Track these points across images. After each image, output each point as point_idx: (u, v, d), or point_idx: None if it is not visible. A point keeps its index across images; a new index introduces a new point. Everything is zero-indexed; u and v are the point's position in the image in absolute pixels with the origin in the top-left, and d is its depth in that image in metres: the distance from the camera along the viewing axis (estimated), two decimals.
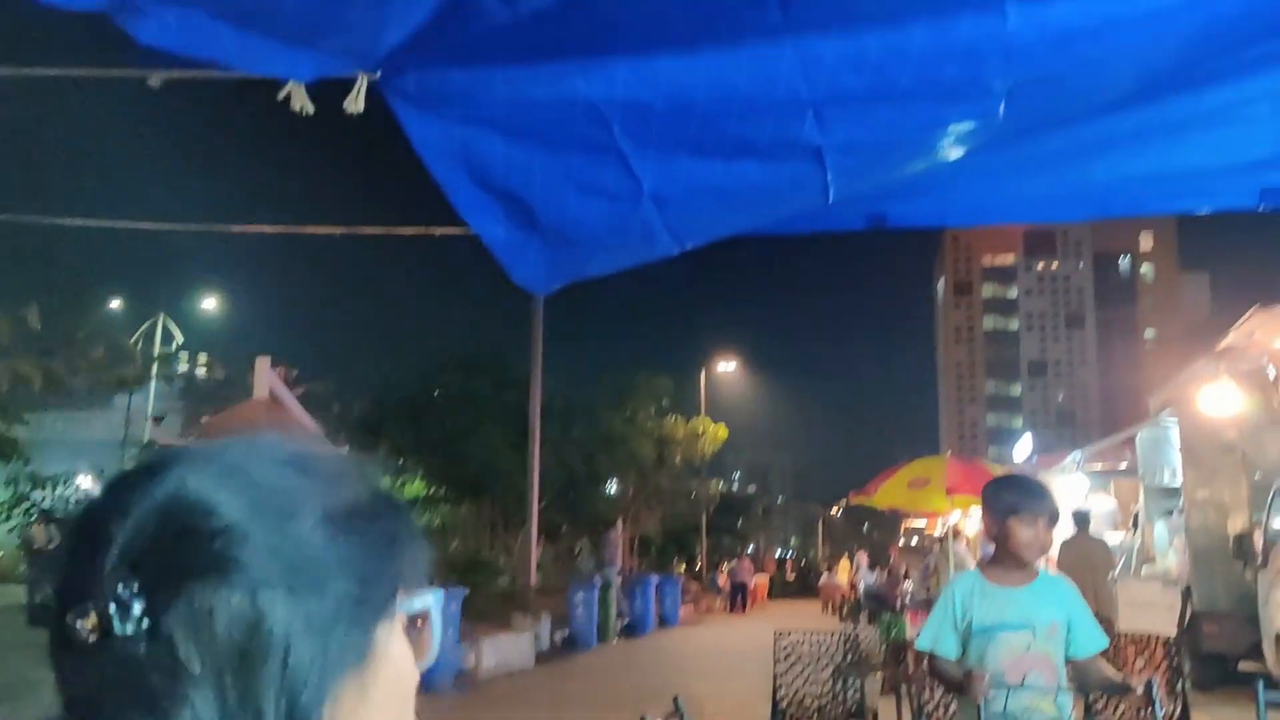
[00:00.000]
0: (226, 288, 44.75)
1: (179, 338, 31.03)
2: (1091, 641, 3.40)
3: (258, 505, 0.73)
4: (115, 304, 29.51)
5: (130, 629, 0.67)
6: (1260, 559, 10.08)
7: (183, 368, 29.55)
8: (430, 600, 0.83)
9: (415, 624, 0.82)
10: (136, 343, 24.44)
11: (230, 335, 40.48)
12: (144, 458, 0.85)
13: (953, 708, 5.74)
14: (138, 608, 0.67)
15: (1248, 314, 11.30)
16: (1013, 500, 3.48)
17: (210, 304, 37.05)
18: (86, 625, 0.67)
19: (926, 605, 8.81)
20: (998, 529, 3.50)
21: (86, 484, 18.06)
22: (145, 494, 0.72)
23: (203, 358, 32.57)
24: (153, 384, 25.91)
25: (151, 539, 0.70)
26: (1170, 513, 12.50)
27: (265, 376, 5.60)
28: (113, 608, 0.67)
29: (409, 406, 21.00)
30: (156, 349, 26.32)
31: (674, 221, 2.44)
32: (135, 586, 0.68)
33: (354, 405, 22.05)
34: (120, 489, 0.73)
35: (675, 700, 3.00)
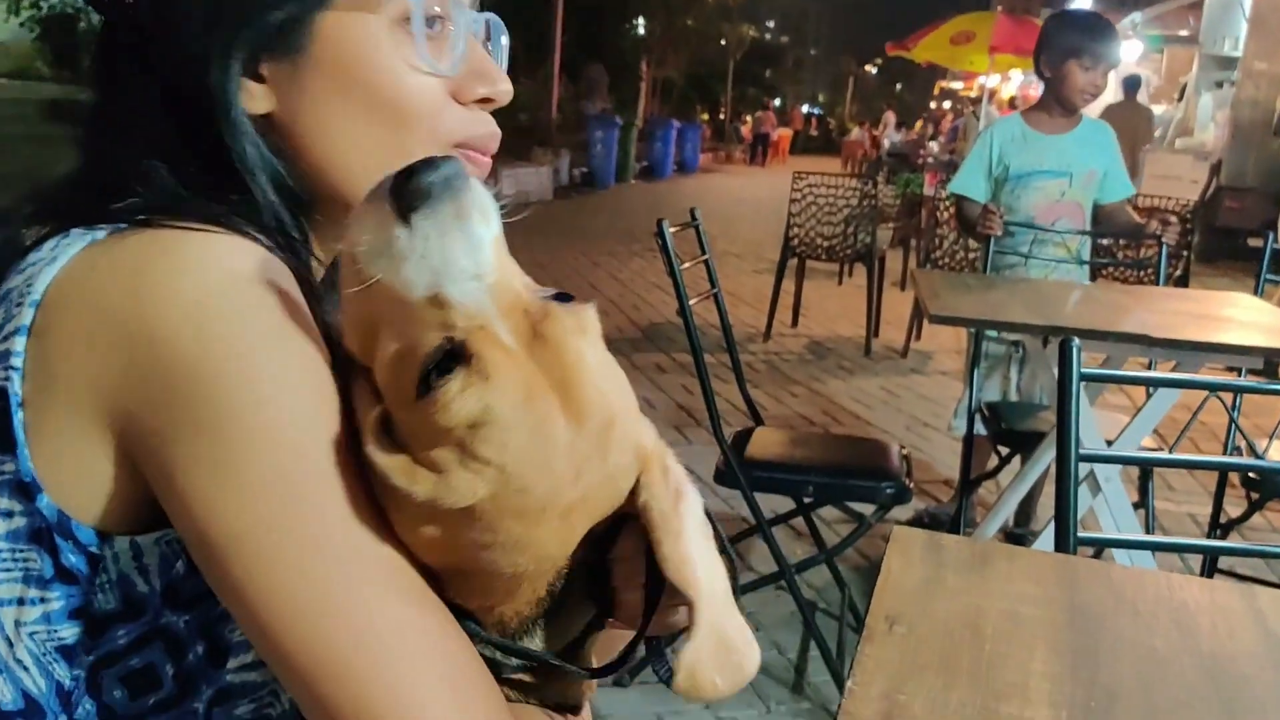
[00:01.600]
0: None
1: None
2: (1122, 188, 3.35)
3: None
4: None
5: None
6: None
7: None
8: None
9: (432, 25, 0.72)
10: None
11: None
12: None
13: (959, 255, 5.83)
14: None
15: None
16: (1076, 39, 3.22)
17: None
18: None
19: (948, 167, 8.70)
20: (1053, 70, 3.27)
21: None
22: None
23: None
24: None
25: None
26: (1220, 85, 12.21)
27: None
28: None
29: None
30: None
31: None
32: None
33: None
34: None
35: (692, 212, 2.94)
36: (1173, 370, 2.49)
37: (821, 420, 4.91)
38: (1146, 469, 3.01)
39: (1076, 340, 1.39)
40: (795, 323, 6.84)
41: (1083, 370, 1.38)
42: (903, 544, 1.05)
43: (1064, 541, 1.32)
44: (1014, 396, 3.42)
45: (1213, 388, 1.83)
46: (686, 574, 0.59)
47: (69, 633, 0.63)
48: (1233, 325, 2.51)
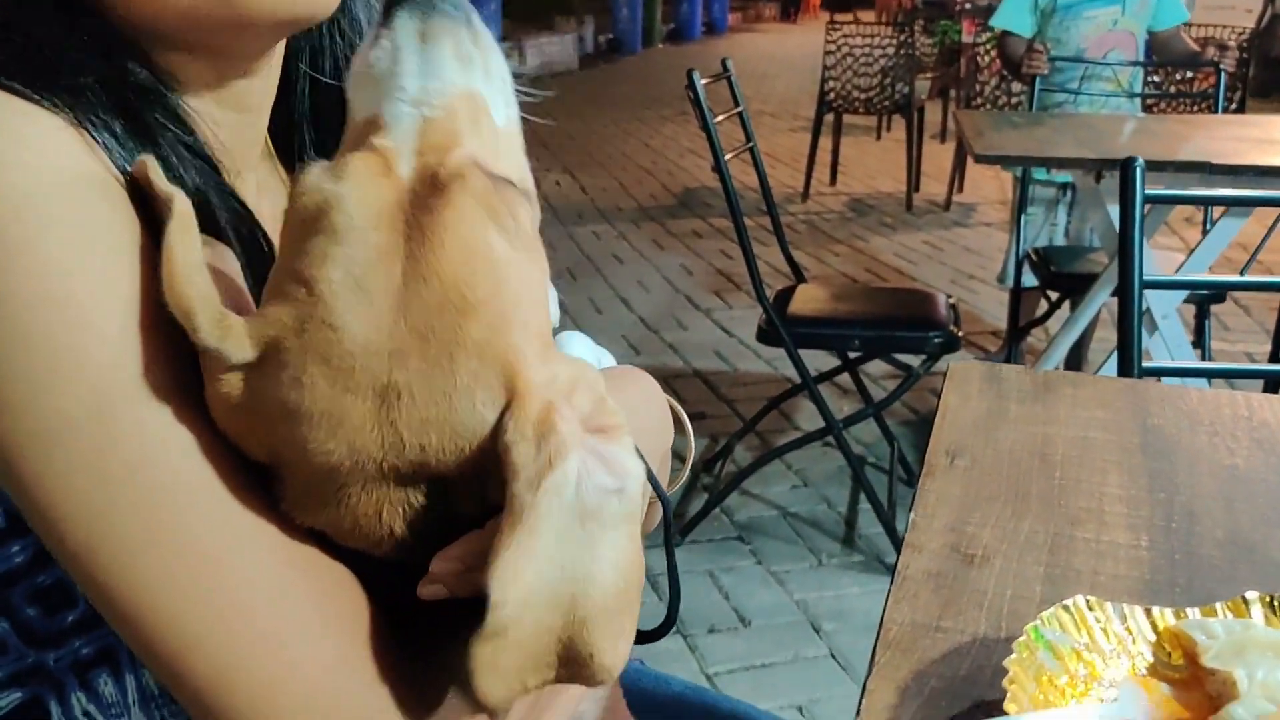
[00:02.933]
0: None
1: None
2: (1177, 10, 3.17)
3: None
4: None
5: None
6: None
7: None
8: None
9: None
10: None
11: None
12: None
13: (1000, 102, 5.62)
14: None
15: None
16: None
17: None
18: None
19: (986, 13, 8.31)
20: None
21: None
22: None
23: None
24: None
25: None
26: None
27: None
28: None
29: None
30: None
31: None
32: None
33: None
34: None
35: (724, 63, 2.82)
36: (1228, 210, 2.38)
37: (865, 278, 4.82)
38: (1203, 308, 2.92)
39: (1140, 159, 1.30)
40: (834, 180, 6.67)
41: (1147, 191, 1.30)
42: (960, 378, 1.00)
43: (1128, 370, 1.27)
44: (1062, 241, 3.32)
45: None
46: (499, 571, 0.46)
47: None
48: None
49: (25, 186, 0.48)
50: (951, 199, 6.16)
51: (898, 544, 1.59)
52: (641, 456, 0.52)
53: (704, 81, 2.59)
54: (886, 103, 6.13)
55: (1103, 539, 0.72)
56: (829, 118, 6.27)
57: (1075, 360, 3.37)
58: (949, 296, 2.76)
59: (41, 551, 0.56)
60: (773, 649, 2.31)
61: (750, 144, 2.89)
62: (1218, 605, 0.58)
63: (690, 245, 5.22)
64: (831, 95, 6.12)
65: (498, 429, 0.48)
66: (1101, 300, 2.55)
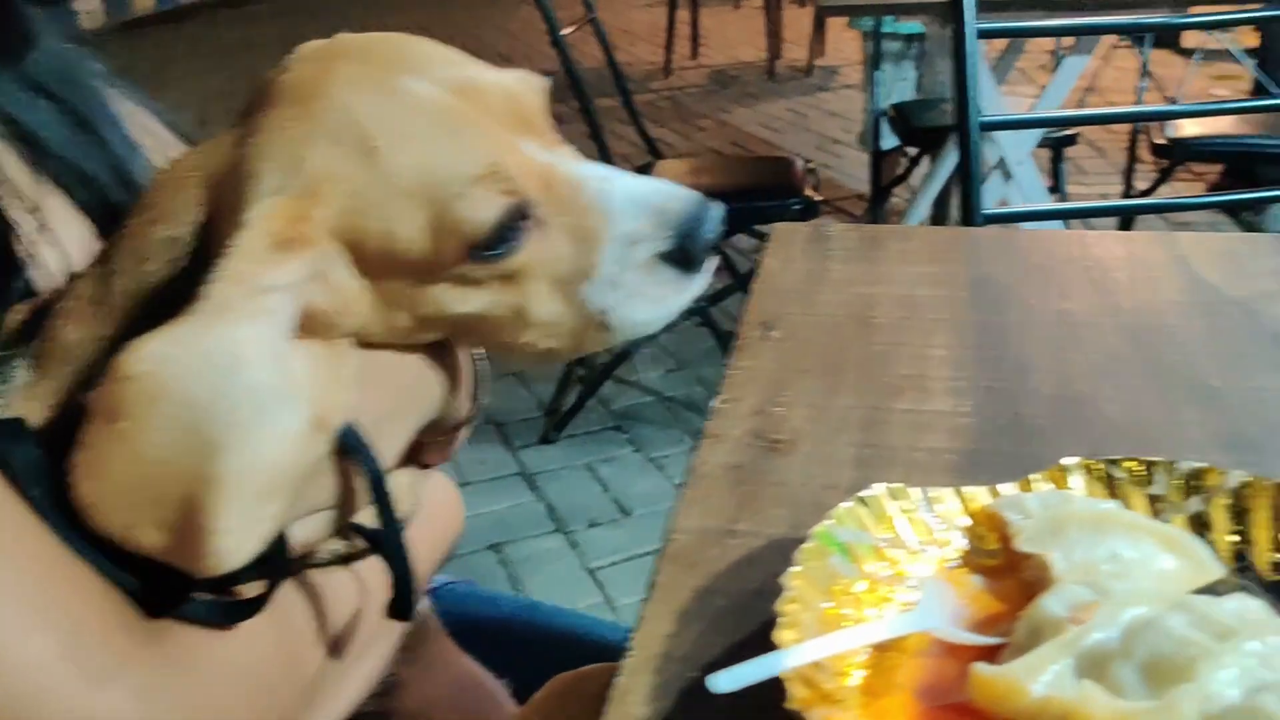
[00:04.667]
0: None
1: None
2: None
3: None
4: None
5: None
6: None
7: None
8: None
9: None
10: None
11: None
12: None
13: None
14: None
15: None
16: None
17: None
18: None
19: None
20: None
21: None
22: None
23: None
24: None
25: None
26: None
27: None
28: None
29: None
30: None
31: None
32: None
33: None
34: None
35: None
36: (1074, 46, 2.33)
37: (731, 151, 4.71)
38: (1058, 152, 2.90)
39: None
40: (695, 54, 6.49)
41: (979, 26, 1.21)
42: (782, 240, 0.91)
43: (970, 218, 1.20)
44: (913, 96, 3.26)
45: (1122, 30, 1.68)
46: (142, 343, 0.42)
47: None
48: None
49: None
50: (813, 63, 6.06)
51: None
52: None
53: None
54: None
55: (924, 409, 0.64)
56: None
57: (941, 217, 3.35)
58: (807, 161, 2.68)
59: None
60: (655, 537, 2.25)
61: (591, 15, 2.72)
62: (1033, 477, 0.51)
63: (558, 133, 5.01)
64: None
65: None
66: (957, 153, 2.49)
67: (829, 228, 0.93)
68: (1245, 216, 3.29)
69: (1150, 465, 0.50)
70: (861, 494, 0.48)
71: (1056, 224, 1.97)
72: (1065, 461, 0.51)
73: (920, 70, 3.27)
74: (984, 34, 1.23)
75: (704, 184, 2.67)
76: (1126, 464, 0.50)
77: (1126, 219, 2.36)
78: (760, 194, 2.55)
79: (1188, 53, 5.69)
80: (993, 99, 2.27)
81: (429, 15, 8.14)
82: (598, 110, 2.52)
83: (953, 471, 0.58)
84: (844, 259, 0.87)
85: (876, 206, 3.33)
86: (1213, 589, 0.45)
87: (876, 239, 0.91)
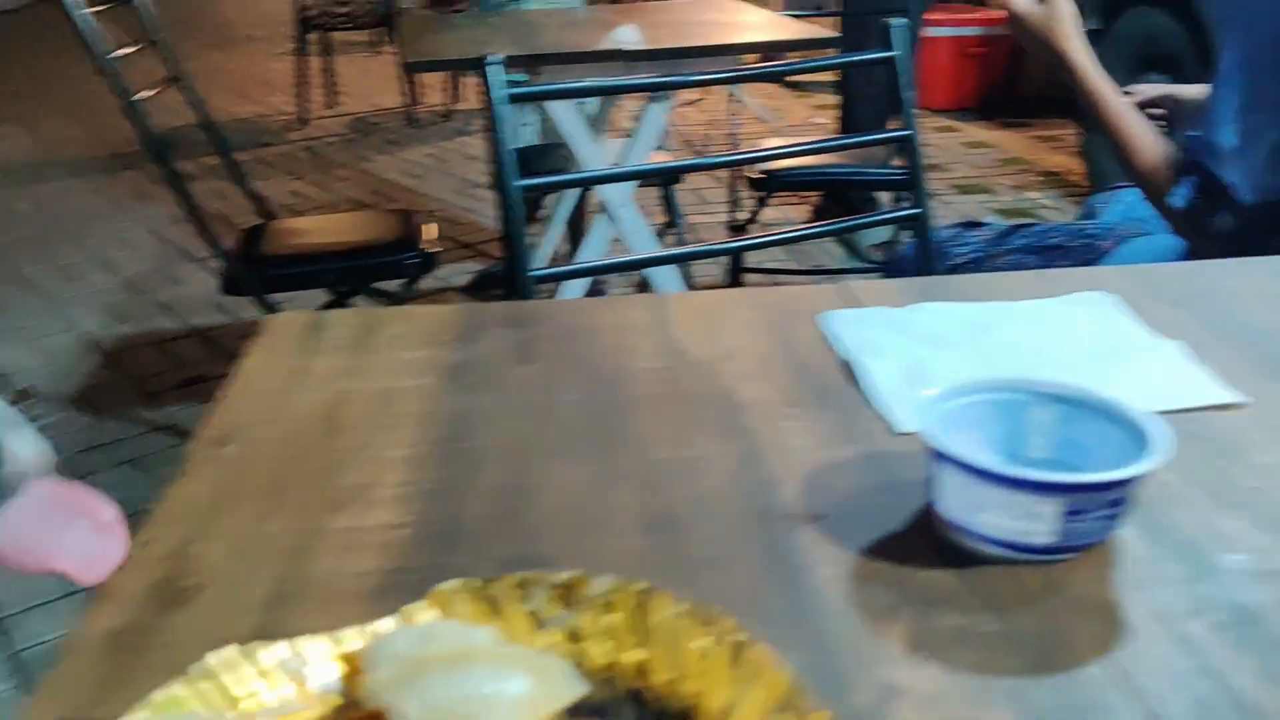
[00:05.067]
0: None
1: None
2: None
3: None
4: None
5: None
6: None
7: None
8: None
9: None
10: None
11: None
12: None
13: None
14: None
15: None
16: None
17: None
18: None
19: None
20: None
21: None
22: None
23: None
24: None
25: None
26: None
27: None
28: None
29: None
30: None
31: None
32: None
33: None
34: None
35: None
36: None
37: (372, 200, 4.59)
38: (666, 190, 3.03)
39: (496, 56, 1.22)
40: (332, 103, 6.31)
41: (508, 90, 1.22)
42: (276, 333, 0.85)
43: (520, 283, 1.19)
44: (535, 140, 3.31)
45: (643, 88, 1.77)
46: None
47: None
48: (717, 28, 2.49)
49: None
50: (451, 108, 6.06)
51: None
52: None
53: (93, 9, 2.21)
54: (367, 17, 5.84)
55: (363, 525, 0.60)
56: (315, 36, 5.88)
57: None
58: (431, 212, 2.64)
59: None
60: None
61: (171, 76, 2.54)
62: (417, 605, 0.48)
63: (136, 205, 4.67)
64: (314, 12, 5.74)
65: None
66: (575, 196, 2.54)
67: (330, 316, 0.88)
68: (843, 236, 3.60)
69: (524, 581, 0.48)
70: (194, 666, 0.43)
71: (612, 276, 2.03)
72: (445, 586, 0.48)
73: (542, 114, 3.32)
74: (515, 98, 1.24)
75: (317, 245, 2.58)
76: (503, 582, 0.48)
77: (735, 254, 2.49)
78: (376, 250, 2.48)
79: (795, 85, 6.23)
80: (590, 150, 2.33)
81: (20, 69, 7.41)
82: (209, 169, 2.35)
83: (371, 598, 0.54)
84: (334, 350, 0.82)
85: (511, 249, 3.34)
86: (581, 708, 0.43)
87: (375, 324, 0.87)
